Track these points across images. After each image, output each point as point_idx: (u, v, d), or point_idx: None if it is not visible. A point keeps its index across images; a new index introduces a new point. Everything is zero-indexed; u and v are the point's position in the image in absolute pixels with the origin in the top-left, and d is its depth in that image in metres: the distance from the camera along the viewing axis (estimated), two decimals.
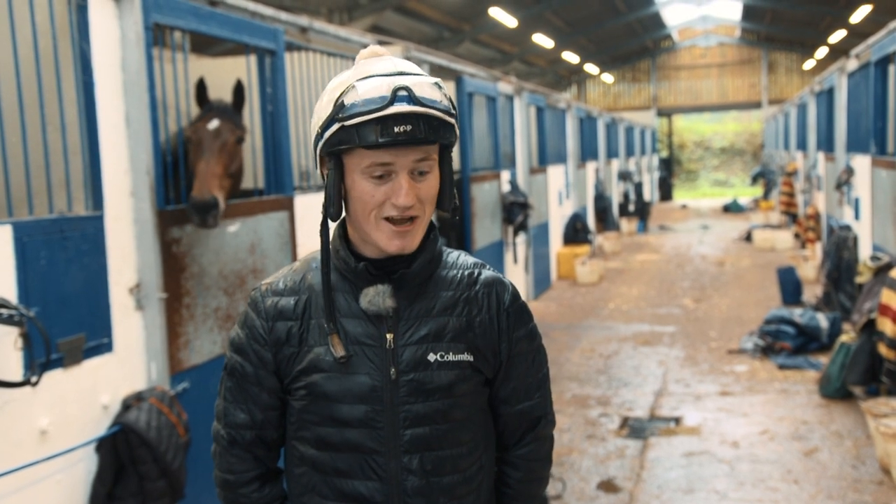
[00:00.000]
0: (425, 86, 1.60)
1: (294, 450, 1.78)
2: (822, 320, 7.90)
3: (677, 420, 6.20)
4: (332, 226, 1.77)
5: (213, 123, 3.85)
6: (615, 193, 19.12)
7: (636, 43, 32.37)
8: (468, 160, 8.11)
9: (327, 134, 1.62)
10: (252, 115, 4.61)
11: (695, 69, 34.25)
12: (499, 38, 23.67)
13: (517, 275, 10.10)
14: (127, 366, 3.50)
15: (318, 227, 1.75)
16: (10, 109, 3.21)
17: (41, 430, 3.05)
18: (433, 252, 1.75)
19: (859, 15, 20.88)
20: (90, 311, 3.30)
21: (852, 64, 9.05)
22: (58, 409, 3.13)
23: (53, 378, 3.09)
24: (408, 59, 6.49)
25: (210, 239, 3.94)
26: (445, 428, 1.72)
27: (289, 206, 4.63)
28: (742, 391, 6.83)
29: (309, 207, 4.87)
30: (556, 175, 12.68)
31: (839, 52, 25.04)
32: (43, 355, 2.93)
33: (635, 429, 6.03)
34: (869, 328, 5.96)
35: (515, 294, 1.83)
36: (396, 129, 1.56)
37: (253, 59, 4.47)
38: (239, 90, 4.04)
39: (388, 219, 1.64)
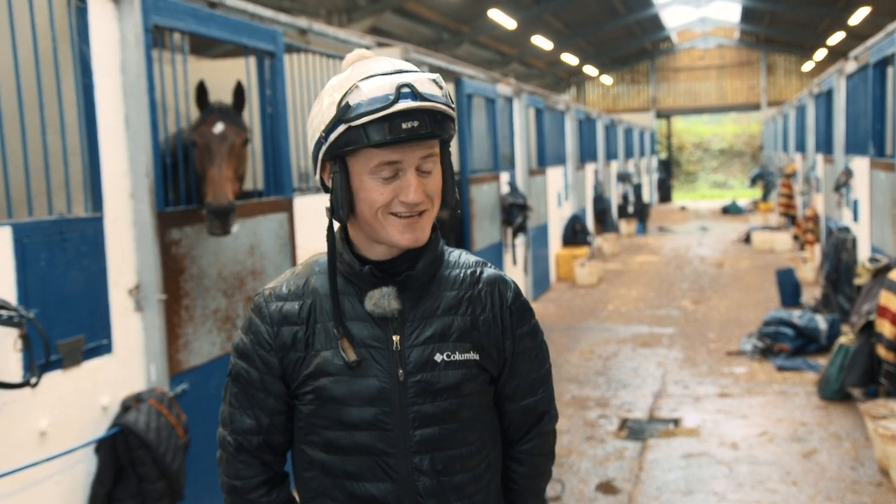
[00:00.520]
0: (425, 81, 1.62)
1: (303, 454, 1.78)
2: (821, 322, 7.91)
3: (676, 421, 6.20)
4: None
5: (219, 127, 3.84)
6: (614, 195, 19.13)
7: (635, 45, 32.39)
8: (467, 162, 8.11)
9: (333, 136, 1.61)
10: (251, 116, 4.61)
11: (694, 71, 34.27)
12: (498, 40, 23.69)
13: (516, 276, 10.10)
14: (126, 367, 3.50)
15: (325, 231, 1.75)
16: (10, 111, 3.22)
17: (40, 431, 3.06)
18: (436, 252, 1.76)
19: (858, 17, 20.91)
20: (89, 313, 3.30)
21: (851, 66, 9.06)
22: (57, 411, 3.13)
23: (53, 379, 3.10)
24: (407, 60, 6.52)
25: (209, 241, 3.95)
26: (454, 427, 1.73)
27: (288, 208, 4.64)
28: (741, 393, 6.83)
29: (308, 209, 4.88)
30: (555, 177, 12.69)
31: (838, 54, 25.07)
32: (42, 356, 2.94)
33: (634, 430, 6.03)
34: (867, 330, 5.97)
35: (517, 291, 1.84)
36: (404, 126, 1.57)
37: (252, 60, 4.48)
38: (239, 92, 4.04)
39: (394, 213, 1.65)
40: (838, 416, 6.11)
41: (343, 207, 1.66)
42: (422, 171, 1.65)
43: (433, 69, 7.26)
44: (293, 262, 4.64)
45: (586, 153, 15.91)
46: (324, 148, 1.64)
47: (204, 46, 6.07)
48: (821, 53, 29.53)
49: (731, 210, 25.22)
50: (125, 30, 3.52)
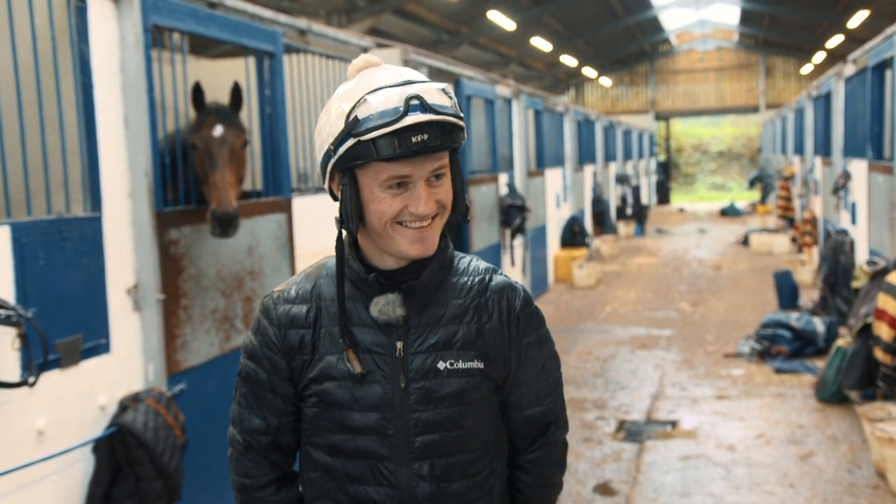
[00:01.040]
0: (434, 92, 1.60)
1: (308, 455, 1.80)
2: (819, 324, 7.91)
3: (674, 423, 6.20)
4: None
5: (218, 130, 3.83)
6: (613, 197, 19.14)
7: (634, 47, 32.41)
8: (466, 163, 8.12)
9: (342, 150, 1.60)
10: (251, 117, 4.61)
11: (693, 73, 34.30)
12: (497, 41, 23.70)
13: (514, 278, 10.04)
14: (124, 367, 3.50)
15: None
16: (10, 111, 3.22)
17: (38, 430, 3.05)
18: (443, 261, 1.75)
19: (857, 20, 20.94)
20: (88, 312, 3.30)
21: (849, 69, 9.07)
22: (55, 410, 3.13)
23: (51, 379, 3.10)
24: (406, 61, 6.54)
25: (208, 241, 3.95)
26: (456, 434, 1.73)
27: (287, 209, 4.64)
28: (738, 395, 6.84)
29: (307, 209, 4.88)
30: (553, 178, 12.70)
31: (837, 56, 25.08)
32: (40, 356, 2.93)
33: (632, 432, 6.03)
34: (865, 332, 5.97)
35: (527, 299, 1.83)
36: (414, 139, 1.56)
37: (251, 61, 4.48)
38: (236, 92, 4.03)
39: (403, 224, 1.65)
40: (835, 419, 6.12)
41: (353, 219, 1.65)
42: (432, 181, 1.65)
43: (432, 70, 7.27)
44: (291, 263, 4.64)
45: (585, 155, 15.92)
46: (333, 160, 1.63)
47: (203, 46, 6.07)
48: (819, 56, 29.57)
49: (729, 212, 25.24)
50: (124, 30, 3.52)
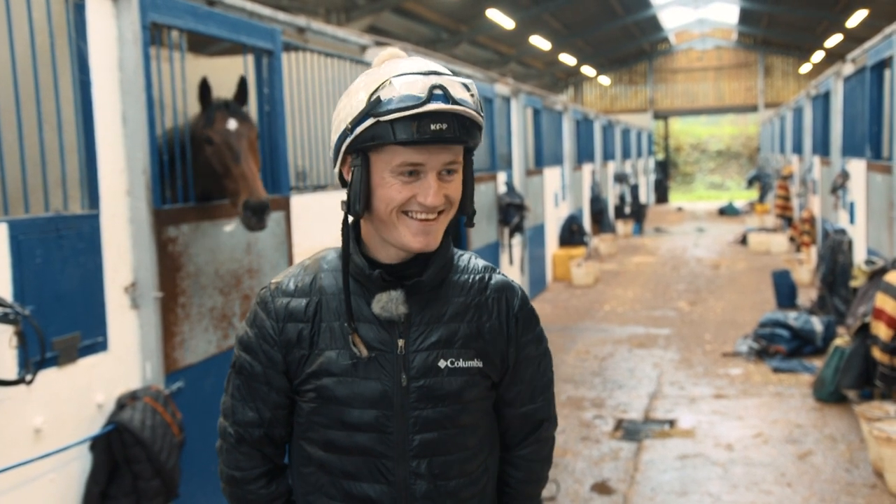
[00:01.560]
0: (458, 85, 1.60)
1: (301, 449, 1.79)
2: (817, 324, 7.92)
3: (671, 422, 6.21)
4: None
5: (233, 124, 3.83)
6: (611, 196, 19.14)
7: (633, 45, 32.42)
8: None
9: (359, 129, 1.60)
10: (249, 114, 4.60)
11: (691, 72, 34.30)
12: (496, 40, 23.69)
13: (513, 276, 10.09)
14: (122, 365, 3.49)
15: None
16: (7, 107, 3.21)
17: (35, 428, 3.05)
18: (445, 258, 1.75)
19: (856, 19, 20.94)
20: (85, 310, 3.29)
21: (848, 68, 9.08)
22: (52, 408, 3.13)
23: (48, 376, 3.09)
24: None
25: (206, 238, 3.94)
26: (454, 432, 1.74)
27: (285, 206, 4.63)
28: (736, 394, 6.84)
29: (305, 207, 4.87)
30: (552, 177, 12.70)
31: (835, 56, 25.10)
32: (38, 353, 2.93)
33: (629, 431, 6.03)
34: (863, 332, 5.98)
35: (524, 299, 1.84)
36: (432, 127, 1.56)
37: (250, 58, 4.47)
38: (243, 86, 4.01)
39: (409, 215, 1.64)
40: (833, 418, 6.12)
41: (360, 202, 1.64)
42: (444, 175, 1.64)
43: None
44: (290, 261, 4.63)
45: (583, 154, 15.92)
46: (348, 140, 1.63)
47: (202, 44, 6.06)
48: (818, 56, 29.58)
49: (727, 211, 25.26)
50: (123, 27, 3.52)
